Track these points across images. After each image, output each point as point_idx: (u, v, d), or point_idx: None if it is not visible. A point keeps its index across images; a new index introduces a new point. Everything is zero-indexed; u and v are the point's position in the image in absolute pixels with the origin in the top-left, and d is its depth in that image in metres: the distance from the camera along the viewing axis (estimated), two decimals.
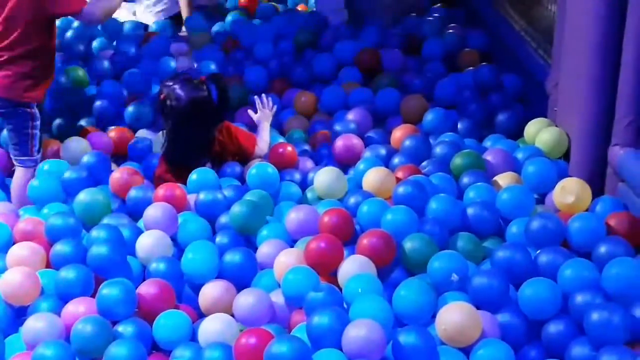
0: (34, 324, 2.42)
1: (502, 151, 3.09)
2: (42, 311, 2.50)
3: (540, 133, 3.17)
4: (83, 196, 2.91)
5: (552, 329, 2.28)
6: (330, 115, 3.71)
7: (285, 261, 2.59)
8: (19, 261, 2.63)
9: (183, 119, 3.08)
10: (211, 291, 2.56)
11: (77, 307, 2.47)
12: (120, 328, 2.43)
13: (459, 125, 3.44)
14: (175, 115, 3.08)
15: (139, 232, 2.79)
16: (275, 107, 3.45)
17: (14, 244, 2.77)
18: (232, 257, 2.65)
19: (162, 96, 3.10)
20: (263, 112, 3.39)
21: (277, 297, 2.54)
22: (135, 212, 2.95)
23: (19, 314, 2.56)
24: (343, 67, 3.96)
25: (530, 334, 2.33)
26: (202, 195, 2.93)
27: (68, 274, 2.55)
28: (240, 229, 2.82)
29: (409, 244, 2.55)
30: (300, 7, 5.04)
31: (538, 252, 2.50)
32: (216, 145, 3.18)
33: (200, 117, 3.09)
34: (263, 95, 3.45)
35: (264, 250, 2.73)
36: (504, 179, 2.92)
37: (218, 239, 2.79)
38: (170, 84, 3.09)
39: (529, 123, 3.28)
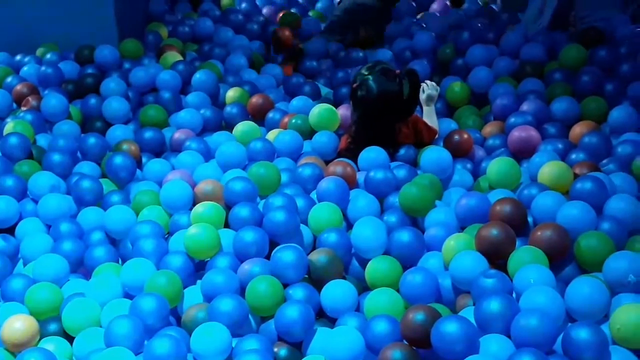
0: (213, 278, 2.56)
1: None
2: (220, 267, 2.64)
3: None
4: (256, 168, 3.02)
5: None
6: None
7: (454, 245, 2.59)
8: (202, 219, 2.78)
9: (371, 110, 3.16)
10: (378, 266, 2.62)
11: (252, 267, 2.59)
12: (290, 291, 2.53)
13: None
14: (363, 105, 3.16)
15: (311, 202, 2.88)
16: (439, 89, 3.45)
17: (193, 203, 2.94)
18: (401, 236, 2.69)
19: (354, 85, 3.18)
20: (428, 95, 3.38)
21: (443, 280, 2.55)
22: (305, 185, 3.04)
23: (198, 267, 2.72)
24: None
25: None
26: (372, 173, 2.99)
27: (246, 235, 2.68)
28: (409, 210, 2.85)
29: (585, 241, 2.48)
30: None
31: None
32: (401, 136, 3.22)
33: (388, 110, 3.15)
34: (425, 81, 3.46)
35: (431, 232, 2.75)
36: None
37: (386, 217, 2.84)
38: (366, 73, 3.16)
39: None
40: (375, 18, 4.54)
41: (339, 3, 4.88)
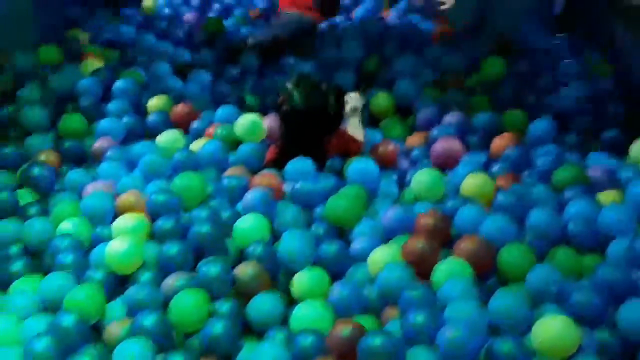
0: (135, 293, 2.51)
1: (605, 168, 3.04)
2: (143, 281, 2.58)
3: None
4: (180, 179, 2.97)
5: None
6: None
7: (381, 257, 2.61)
8: (125, 232, 2.72)
9: (297, 125, 3.15)
10: (305, 278, 2.61)
11: (177, 281, 2.54)
12: (216, 305, 2.50)
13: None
14: (290, 119, 3.15)
15: (237, 214, 2.85)
16: (363, 101, 3.46)
17: (114, 214, 2.87)
18: (329, 248, 2.69)
19: (280, 99, 3.17)
20: (352, 107, 3.40)
21: (370, 292, 2.56)
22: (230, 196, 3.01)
23: (122, 281, 2.65)
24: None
25: (626, 355, 2.29)
26: (299, 184, 2.98)
27: (170, 248, 2.63)
28: (336, 221, 2.86)
29: (507, 253, 2.53)
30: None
31: None
32: (328, 147, 3.23)
33: (314, 125, 3.15)
34: (350, 93, 3.47)
35: (358, 244, 2.75)
36: (606, 196, 2.87)
37: (314, 228, 2.84)
38: (291, 88, 3.15)
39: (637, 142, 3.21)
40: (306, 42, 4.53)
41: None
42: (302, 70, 3.99)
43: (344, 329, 2.25)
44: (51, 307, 2.53)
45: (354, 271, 2.65)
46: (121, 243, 2.64)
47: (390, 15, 4.99)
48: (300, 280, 2.60)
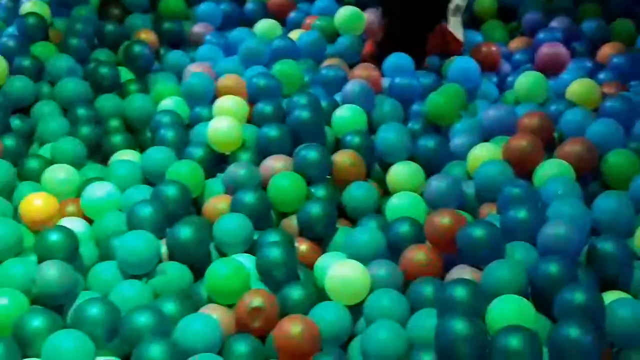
0: (235, 171, 2.54)
1: None
2: (242, 161, 2.61)
3: None
4: (280, 65, 2.97)
5: None
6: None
7: (481, 154, 2.57)
8: (225, 112, 2.73)
9: (400, 17, 3.09)
10: (400, 171, 2.59)
11: (276, 163, 2.56)
12: (312, 189, 2.51)
13: None
14: (393, 12, 3.09)
15: (335, 104, 2.84)
16: (467, 2, 3.35)
17: (214, 97, 2.89)
18: (426, 142, 2.66)
19: None
20: (456, 5, 3.30)
21: (467, 188, 2.53)
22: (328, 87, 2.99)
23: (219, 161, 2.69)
24: None
25: None
26: (398, 79, 2.94)
27: (270, 131, 2.64)
28: (434, 118, 2.82)
29: (613, 158, 2.46)
30: None
31: None
32: (427, 45, 3.16)
33: (417, 18, 3.08)
34: None
35: (457, 141, 2.72)
36: None
37: (410, 124, 2.81)
38: None
39: None
40: None
41: None
42: None
43: (444, 217, 2.24)
44: (152, 179, 2.58)
45: (451, 167, 2.63)
46: (223, 122, 2.66)
47: None
48: (396, 173, 2.60)
